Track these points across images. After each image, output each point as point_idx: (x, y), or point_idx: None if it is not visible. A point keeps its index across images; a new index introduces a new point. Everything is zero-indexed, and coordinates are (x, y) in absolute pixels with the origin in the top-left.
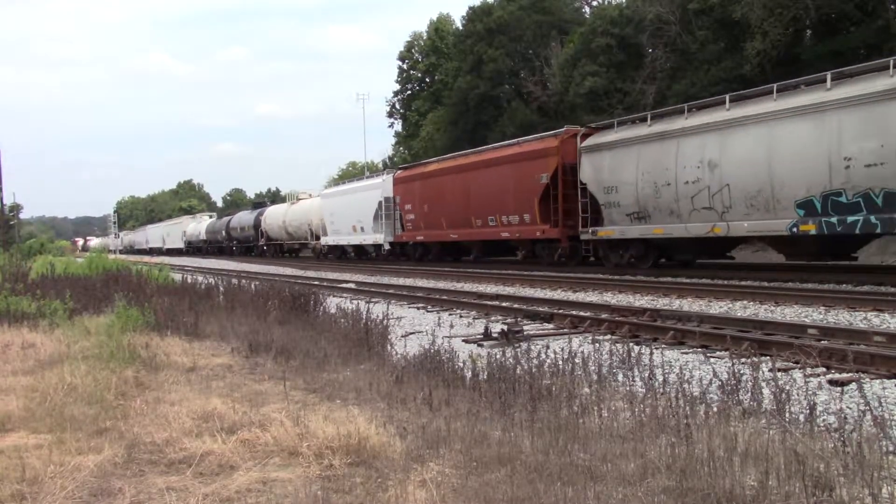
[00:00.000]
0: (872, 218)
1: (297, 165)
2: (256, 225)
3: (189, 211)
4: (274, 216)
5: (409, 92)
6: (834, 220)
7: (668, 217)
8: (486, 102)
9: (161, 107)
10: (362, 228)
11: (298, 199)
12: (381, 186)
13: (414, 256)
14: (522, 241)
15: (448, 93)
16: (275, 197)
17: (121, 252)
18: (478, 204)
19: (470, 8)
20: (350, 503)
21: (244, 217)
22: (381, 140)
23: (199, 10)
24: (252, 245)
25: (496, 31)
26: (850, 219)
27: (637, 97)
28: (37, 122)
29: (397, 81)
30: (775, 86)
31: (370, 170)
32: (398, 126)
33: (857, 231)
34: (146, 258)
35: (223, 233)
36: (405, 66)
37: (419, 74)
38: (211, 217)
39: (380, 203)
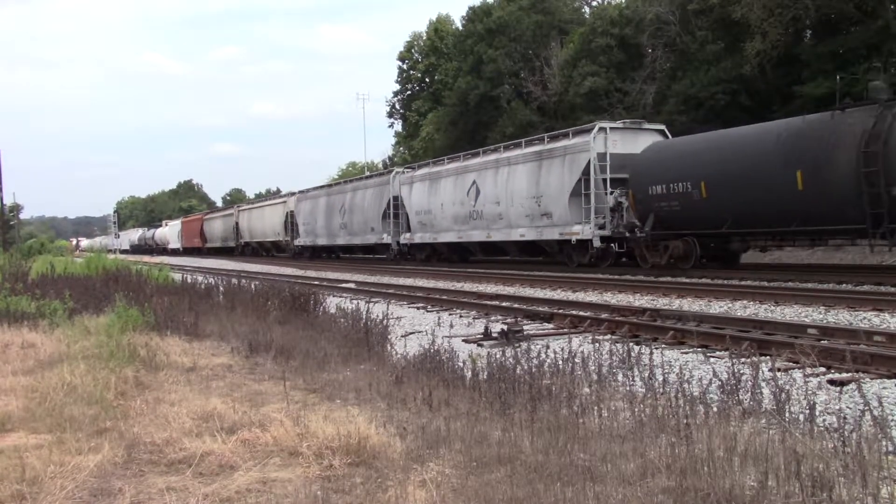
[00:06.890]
0: None
1: (297, 165)
2: (152, 236)
3: (188, 211)
4: (159, 232)
5: (408, 92)
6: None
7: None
8: (486, 103)
9: (160, 107)
10: (175, 240)
11: (167, 224)
12: (179, 225)
13: (183, 252)
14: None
15: (448, 93)
16: (274, 196)
17: (98, 250)
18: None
19: (470, 8)
20: (350, 503)
21: (149, 232)
22: (381, 140)
23: (196, 11)
24: (153, 248)
25: (496, 32)
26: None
27: (637, 97)
28: (37, 122)
29: (397, 82)
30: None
31: (370, 170)
32: (398, 126)
33: None
34: (145, 258)
35: (143, 240)
36: (405, 67)
37: (419, 75)
38: (142, 229)
39: (178, 231)
